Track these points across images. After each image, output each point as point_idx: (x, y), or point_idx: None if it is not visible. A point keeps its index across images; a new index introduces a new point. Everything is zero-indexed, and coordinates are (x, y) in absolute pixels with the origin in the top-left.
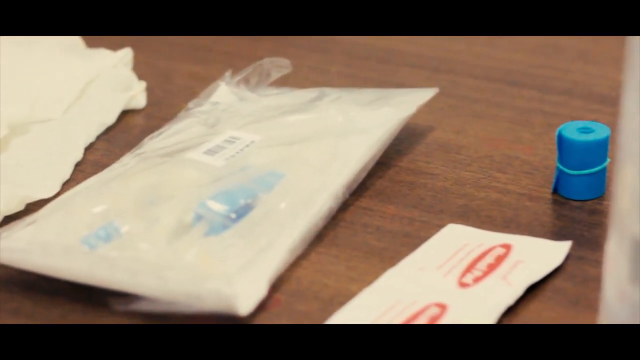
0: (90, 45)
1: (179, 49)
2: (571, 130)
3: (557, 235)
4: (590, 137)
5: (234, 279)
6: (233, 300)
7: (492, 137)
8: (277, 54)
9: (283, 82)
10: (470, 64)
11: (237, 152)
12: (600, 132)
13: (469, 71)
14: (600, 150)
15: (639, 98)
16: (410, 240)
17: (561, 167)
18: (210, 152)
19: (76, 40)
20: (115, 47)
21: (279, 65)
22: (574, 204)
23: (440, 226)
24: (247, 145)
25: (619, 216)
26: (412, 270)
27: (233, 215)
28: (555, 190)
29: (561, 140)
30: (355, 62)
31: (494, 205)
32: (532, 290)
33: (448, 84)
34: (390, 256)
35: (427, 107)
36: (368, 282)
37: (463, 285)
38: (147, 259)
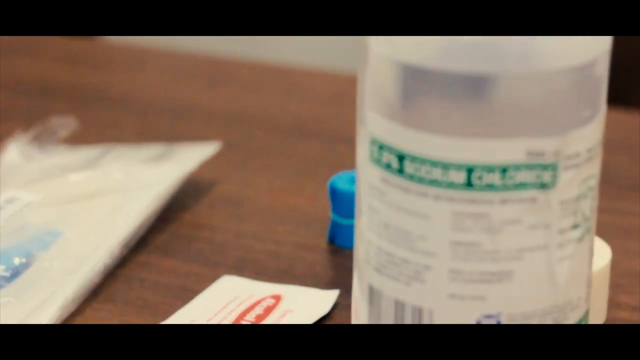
0: None
1: None
2: (342, 181)
3: (330, 284)
4: None
5: None
6: None
7: (276, 189)
8: (73, 111)
9: (76, 139)
10: (262, 116)
11: (16, 212)
12: None
13: (260, 123)
14: None
15: (367, 146)
16: (185, 293)
17: (334, 216)
18: None
19: None
20: None
21: (66, 124)
22: (348, 252)
23: (215, 278)
24: (26, 205)
25: (358, 265)
26: (182, 323)
27: (7, 274)
28: (331, 240)
29: (333, 191)
30: (150, 117)
31: (270, 256)
32: None
33: (238, 137)
34: (164, 310)
35: (215, 161)
36: None
37: None
38: None
